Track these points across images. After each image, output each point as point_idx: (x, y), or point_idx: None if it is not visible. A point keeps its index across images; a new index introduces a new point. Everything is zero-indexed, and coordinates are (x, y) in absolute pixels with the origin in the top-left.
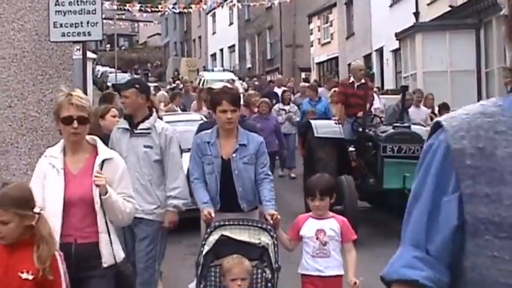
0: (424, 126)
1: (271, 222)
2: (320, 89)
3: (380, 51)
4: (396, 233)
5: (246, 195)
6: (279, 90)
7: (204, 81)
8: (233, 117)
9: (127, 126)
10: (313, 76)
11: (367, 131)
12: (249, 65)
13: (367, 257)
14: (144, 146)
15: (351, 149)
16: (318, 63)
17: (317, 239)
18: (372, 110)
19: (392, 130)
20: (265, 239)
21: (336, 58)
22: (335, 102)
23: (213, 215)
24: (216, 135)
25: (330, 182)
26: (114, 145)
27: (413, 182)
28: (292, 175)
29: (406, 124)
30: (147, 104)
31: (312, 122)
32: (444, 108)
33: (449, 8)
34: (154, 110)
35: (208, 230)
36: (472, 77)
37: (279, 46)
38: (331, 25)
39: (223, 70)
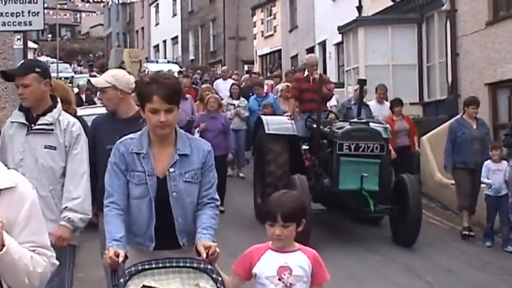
0: (383, 123)
1: (204, 256)
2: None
3: (323, 44)
4: (353, 236)
5: (186, 227)
6: (224, 83)
7: (148, 72)
8: (169, 119)
9: (23, 121)
10: (256, 68)
11: (322, 127)
12: (192, 57)
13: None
14: (46, 147)
15: (304, 147)
16: (261, 56)
17: (279, 279)
18: (328, 106)
19: (349, 126)
20: (205, 284)
21: (279, 51)
22: (287, 98)
23: (121, 258)
24: (147, 142)
25: (297, 202)
26: (6, 145)
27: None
28: (241, 175)
29: (364, 120)
30: (49, 92)
31: (263, 117)
32: (397, 103)
33: (392, 3)
34: (59, 100)
35: (121, 280)
36: (414, 71)
37: (222, 38)
38: (274, 18)
39: (168, 62)
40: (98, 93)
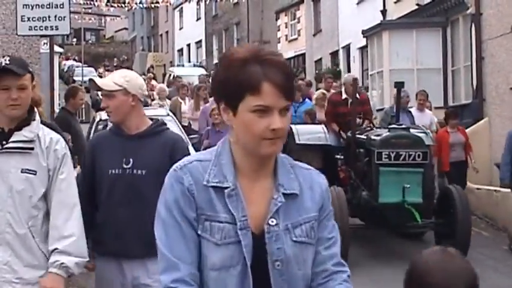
0: (424, 129)
1: None
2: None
3: (347, 48)
4: (394, 253)
5: None
6: None
7: (173, 76)
8: (283, 126)
9: None
10: None
11: (357, 135)
12: (216, 61)
13: (361, 281)
14: (23, 171)
15: (338, 157)
16: (285, 59)
17: None
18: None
19: (388, 133)
20: None
21: (303, 55)
22: (323, 106)
23: None
24: (232, 169)
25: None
26: None
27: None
28: None
29: (404, 126)
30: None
31: (293, 127)
32: (453, 115)
33: (417, 6)
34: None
35: None
36: (439, 75)
37: (246, 42)
38: (298, 21)
39: (194, 65)
40: (102, 99)
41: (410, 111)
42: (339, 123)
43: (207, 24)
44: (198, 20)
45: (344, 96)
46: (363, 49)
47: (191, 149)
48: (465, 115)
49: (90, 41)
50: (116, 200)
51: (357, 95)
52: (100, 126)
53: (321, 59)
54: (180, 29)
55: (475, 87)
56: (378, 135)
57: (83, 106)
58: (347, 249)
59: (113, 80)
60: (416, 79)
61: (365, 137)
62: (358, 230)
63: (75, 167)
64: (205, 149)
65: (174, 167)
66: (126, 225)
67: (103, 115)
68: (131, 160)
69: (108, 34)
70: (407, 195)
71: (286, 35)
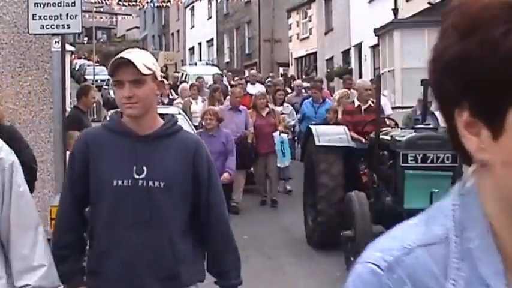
0: None
1: None
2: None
3: (358, 47)
4: None
5: None
6: (253, 88)
7: (186, 76)
8: None
9: None
10: (291, 71)
11: (381, 136)
12: (227, 60)
13: None
14: None
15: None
16: (296, 59)
17: None
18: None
19: (414, 134)
20: None
21: (315, 53)
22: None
23: None
24: (497, 262)
25: None
26: None
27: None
28: (288, 187)
29: (431, 126)
30: None
31: (313, 127)
32: None
33: (428, 5)
34: None
35: None
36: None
37: (257, 41)
38: (309, 20)
39: (207, 64)
40: (126, 87)
41: (434, 114)
42: (356, 133)
43: (219, 22)
44: (209, 18)
45: (357, 103)
46: (374, 48)
47: None
48: None
49: (101, 40)
50: (124, 220)
51: (371, 103)
52: None
53: (332, 57)
54: (192, 27)
55: None
56: (403, 136)
57: (95, 105)
58: None
59: (142, 61)
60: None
61: (389, 138)
62: None
63: None
64: None
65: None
66: (139, 253)
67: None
68: (145, 169)
69: (119, 33)
70: (436, 201)
71: (298, 34)
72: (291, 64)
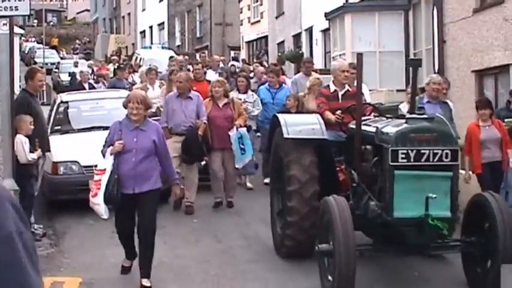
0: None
1: None
2: (296, 75)
3: (309, 31)
4: (411, 281)
5: None
6: (214, 75)
7: (140, 59)
8: None
9: None
10: (242, 55)
11: (363, 127)
12: (178, 43)
13: None
14: None
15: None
16: (248, 42)
17: None
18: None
19: (405, 125)
20: None
21: (266, 37)
22: (320, 110)
23: None
24: None
25: None
26: None
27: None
28: (249, 185)
29: (425, 116)
30: None
31: (280, 117)
32: (483, 105)
33: None
34: None
35: None
36: (400, 58)
37: (208, 24)
38: (261, 4)
39: (162, 47)
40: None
41: (447, 103)
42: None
43: (170, 6)
44: (160, 1)
45: (333, 88)
46: (325, 32)
47: None
48: None
49: (51, 23)
50: None
51: (348, 87)
52: (61, 108)
53: (283, 41)
54: (143, 10)
55: (436, 70)
56: (392, 128)
57: (44, 88)
58: (353, 274)
59: None
60: (379, 62)
61: (374, 130)
62: (366, 250)
63: (35, 149)
64: (119, 153)
65: None
66: None
67: (64, 97)
68: None
69: (70, 16)
70: (432, 208)
71: (249, 18)
72: (242, 48)
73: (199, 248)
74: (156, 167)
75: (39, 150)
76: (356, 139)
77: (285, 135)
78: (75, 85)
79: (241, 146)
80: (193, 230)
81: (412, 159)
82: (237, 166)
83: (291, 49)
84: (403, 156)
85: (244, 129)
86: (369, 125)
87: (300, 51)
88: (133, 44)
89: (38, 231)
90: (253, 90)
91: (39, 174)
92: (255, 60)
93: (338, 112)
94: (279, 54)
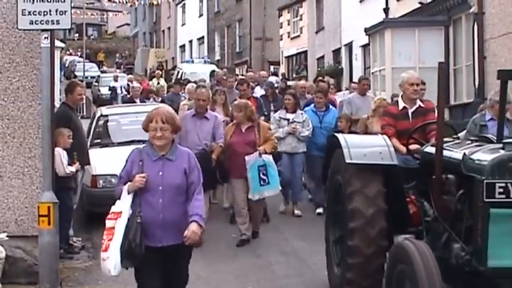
0: None
1: None
2: (350, 95)
3: (349, 46)
4: None
5: None
6: (260, 91)
7: (182, 74)
8: None
9: None
10: (282, 69)
11: (444, 151)
12: (218, 57)
13: None
14: None
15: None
16: (287, 57)
17: None
18: None
19: (502, 151)
20: None
21: (305, 52)
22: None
23: None
24: None
25: None
26: None
27: None
28: (297, 212)
29: None
30: None
31: (341, 137)
32: None
33: (419, 5)
34: None
35: None
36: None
37: (248, 39)
38: (301, 19)
39: (205, 62)
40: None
41: (509, 119)
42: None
43: (210, 20)
44: (200, 16)
45: (402, 105)
46: (365, 47)
47: None
48: (467, 114)
49: (92, 36)
50: None
51: (420, 103)
52: (101, 122)
53: (323, 56)
54: (183, 25)
55: (477, 86)
56: (486, 154)
57: (84, 101)
58: None
59: None
60: None
61: (459, 156)
62: None
63: (74, 162)
64: None
65: None
66: None
67: (104, 110)
68: None
69: (110, 29)
70: None
71: (289, 32)
72: (282, 62)
73: (236, 263)
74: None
75: (78, 163)
76: (437, 167)
77: (347, 160)
78: (124, 100)
79: (263, 176)
80: (231, 244)
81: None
82: (250, 197)
83: (330, 64)
84: (501, 191)
85: (270, 157)
86: (451, 150)
87: (340, 67)
88: (173, 58)
89: (76, 243)
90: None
91: (77, 187)
92: (294, 76)
93: (413, 147)
94: (319, 69)
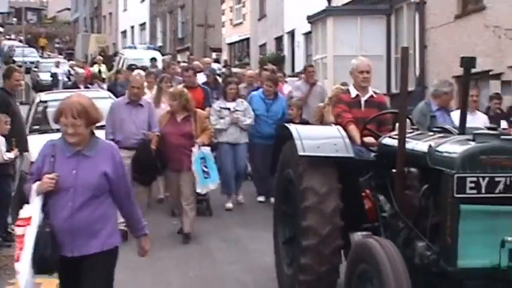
0: None
1: None
2: (297, 83)
3: (292, 33)
4: None
5: None
6: (203, 78)
7: (124, 60)
8: None
9: None
10: (224, 56)
11: (408, 141)
12: (160, 44)
13: None
14: None
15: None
16: (230, 44)
17: None
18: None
19: (473, 143)
20: None
21: (248, 39)
22: (343, 122)
23: None
24: None
25: None
26: None
27: None
28: (239, 198)
29: (499, 130)
30: None
31: (293, 128)
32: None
33: None
34: None
35: None
36: (382, 62)
37: (190, 25)
38: (243, 6)
39: (148, 48)
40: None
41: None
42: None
43: (152, 6)
44: (142, 1)
45: (354, 93)
46: (307, 35)
47: None
48: (408, 103)
49: (31, 21)
50: None
51: (373, 92)
52: (40, 108)
53: (265, 44)
54: (124, 10)
55: (417, 75)
56: (456, 146)
57: (23, 87)
58: None
59: None
60: None
61: (424, 148)
62: None
63: (12, 149)
64: None
65: None
66: None
67: (43, 96)
68: None
69: (50, 14)
70: (509, 255)
71: (231, 19)
72: (224, 49)
73: (177, 250)
74: (110, 215)
75: (16, 149)
76: (399, 159)
77: (300, 152)
78: (66, 86)
79: (204, 169)
80: (171, 232)
81: (483, 190)
82: (198, 190)
83: (272, 52)
84: (473, 185)
85: (208, 149)
86: (413, 142)
87: (282, 54)
88: (114, 44)
89: (14, 231)
90: (240, 96)
91: (16, 174)
92: (236, 63)
93: (368, 140)
94: (261, 56)
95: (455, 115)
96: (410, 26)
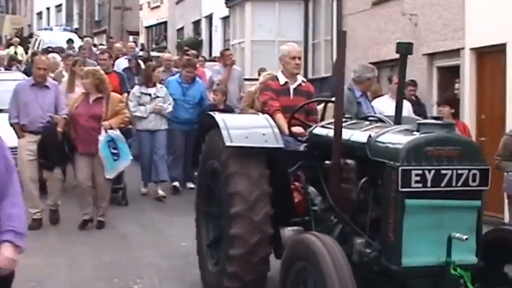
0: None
1: None
2: (217, 67)
3: (209, 18)
4: None
5: None
6: (124, 62)
7: (40, 42)
8: None
9: None
10: (141, 40)
11: (346, 129)
12: (76, 26)
13: None
14: None
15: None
16: (147, 27)
17: None
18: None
19: (418, 134)
20: None
21: (165, 23)
22: (270, 110)
23: None
24: None
25: None
26: None
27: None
28: (160, 192)
29: (440, 121)
30: None
31: (218, 117)
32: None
33: None
34: None
35: None
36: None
37: (107, 8)
38: None
39: (65, 29)
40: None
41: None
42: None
43: None
44: None
45: (283, 80)
46: (225, 19)
47: None
48: (324, 88)
49: None
50: None
51: (301, 81)
52: None
53: (183, 27)
54: None
55: (334, 61)
56: (398, 137)
57: None
58: None
59: None
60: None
61: (362, 138)
62: None
63: None
64: None
65: None
66: None
67: None
68: None
69: None
70: (456, 252)
71: (149, 2)
72: (141, 33)
73: (92, 235)
74: None
75: None
76: (334, 150)
77: (227, 143)
78: None
79: (114, 151)
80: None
81: (429, 184)
82: (107, 176)
83: (190, 36)
84: (418, 179)
85: (117, 131)
86: (348, 131)
87: (200, 38)
88: (29, 25)
89: None
90: (160, 82)
91: None
92: (154, 46)
93: (297, 129)
94: (178, 40)
95: (378, 103)
96: (328, 12)
